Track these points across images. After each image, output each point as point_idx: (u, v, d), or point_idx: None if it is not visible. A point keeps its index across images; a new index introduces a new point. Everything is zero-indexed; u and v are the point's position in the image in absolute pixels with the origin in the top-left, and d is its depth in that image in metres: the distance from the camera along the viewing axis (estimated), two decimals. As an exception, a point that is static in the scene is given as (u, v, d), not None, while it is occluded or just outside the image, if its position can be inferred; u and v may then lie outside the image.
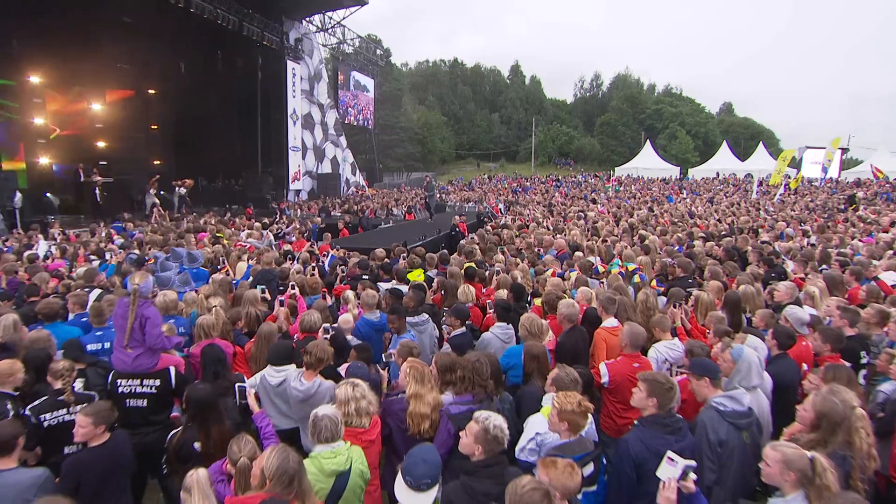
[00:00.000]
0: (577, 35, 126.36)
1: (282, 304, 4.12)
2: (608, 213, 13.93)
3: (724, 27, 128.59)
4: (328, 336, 3.37)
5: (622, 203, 17.08)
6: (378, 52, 35.73)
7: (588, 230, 9.75)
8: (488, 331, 3.87)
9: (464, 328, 3.88)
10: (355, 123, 31.97)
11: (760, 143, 40.26)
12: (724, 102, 63.39)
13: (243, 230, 10.05)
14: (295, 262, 6.87)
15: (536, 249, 7.52)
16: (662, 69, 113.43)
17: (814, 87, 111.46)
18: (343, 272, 5.86)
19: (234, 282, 5.79)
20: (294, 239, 9.71)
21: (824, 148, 22.20)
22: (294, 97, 22.81)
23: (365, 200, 22.84)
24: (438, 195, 25.37)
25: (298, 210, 19.85)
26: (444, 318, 4.20)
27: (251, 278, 5.65)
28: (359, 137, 37.98)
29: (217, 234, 9.57)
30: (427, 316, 4.11)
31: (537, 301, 4.80)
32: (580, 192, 24.34)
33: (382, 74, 43.30)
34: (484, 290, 5.38)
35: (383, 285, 5.13)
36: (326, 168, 26.80)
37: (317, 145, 25.83)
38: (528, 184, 31.70)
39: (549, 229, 10.01)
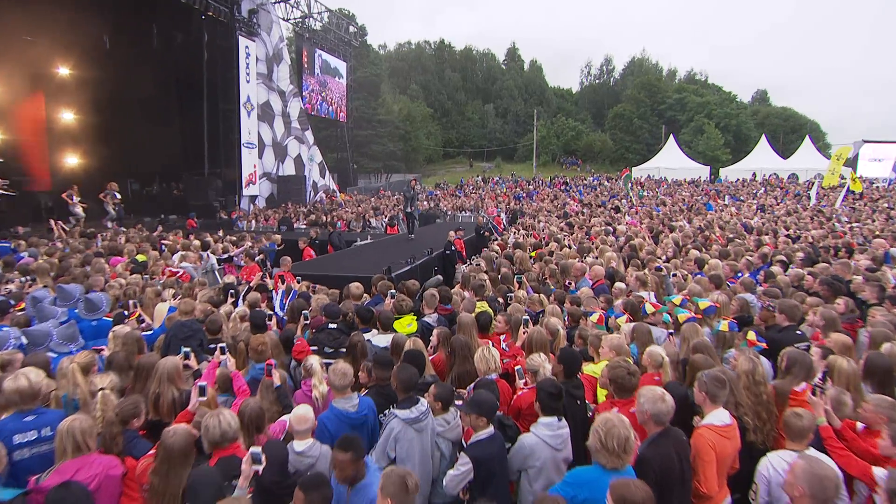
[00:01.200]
0: (584, 13, 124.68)
1: (202, 391, 3.01)
2: (640, 225, 13.20)
3: (755, 1, 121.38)
4: (257, 470, 2.31)
5: (652, 212, 16.37)
6: (351, 29, 35.75)
7: (623, 250, 8.86)
8: (528, 431, 2.96)
9: (491, 428, 2.92)
10: (324, 116, 31.61)
11: (806, 137, 40.16)
12: (758, 90, 63.91)
13: (177, 250, 8.96)
14: (238, 301, 5.82)
15: (567, 282, 6.56)
16: (684, 52, 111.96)
17: (867, 70, 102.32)
18: (306, 319, 4.87)
19: (148, 334, 4.80)
20: (243, 264, 8.66)
21: (893, 142, 21.71)
22: (248, 82, 22.00)
23: (337, 209, 21.99)
24: (428, 203, 24.72)
25: (253, 222, 18.82)
26: (456, 404, 3.21)
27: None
28: (329, 132, 37.67)
29: (138, 258, 8.49)
30: (426, 406, 3.09)
31: (587, 369, 3.87)
32: (596, 198, 23.65)
33: (357, 57, 43.08)
34: (504, 343, 4.44)
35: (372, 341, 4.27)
36: (289, 169, 26.18)
37: (277, 141, 25.19)
38: (531, 187, 31.16)
39: (571, 248, 9.16)
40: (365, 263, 9.08)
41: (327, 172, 30.89)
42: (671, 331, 4.56)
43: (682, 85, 57.98)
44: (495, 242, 11.47)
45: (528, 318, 4.51)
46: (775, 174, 34.70)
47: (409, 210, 11.37)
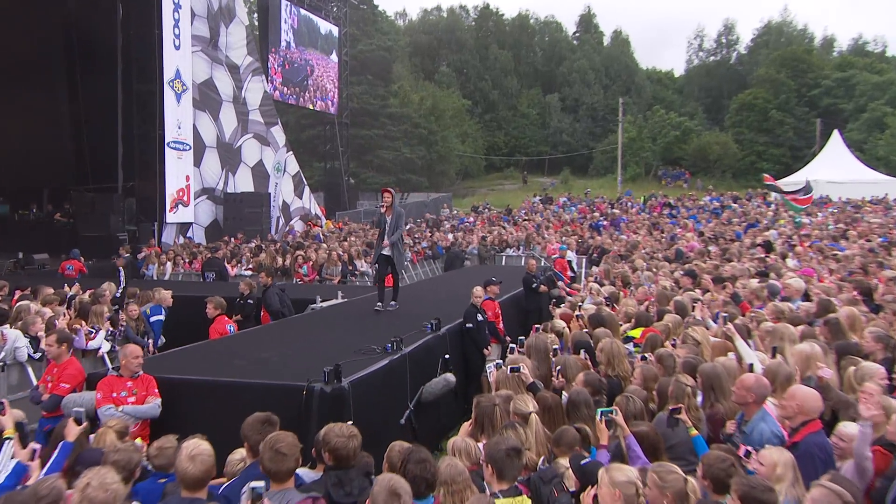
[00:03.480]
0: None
1: None
2: (827, 276, 10.53)
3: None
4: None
5: (833, 251, 13.59)
6: (350, -19, 35.44)
7: (820, 332, 6.62)
8: None
9: None
10: (303, 105, 31.15)
11: None
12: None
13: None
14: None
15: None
16: (847, 11, 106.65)
17: None
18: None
19: None
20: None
21: None
22: (177, 48, 21.49)
23: (312, 244, 19.86)
24: (453, 235, 22.90)
25: (169, 265, 17.04)
26: None
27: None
28: (313, 132, 36.89)
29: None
30: None
31: None
32: (728, 229, 20.89)
33: (358, 23, 42.82)
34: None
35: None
36: (244, 183, 25.51)
37: (224, 141, 24.58)
38: (616, 212, 28.72)
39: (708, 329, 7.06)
40: (297, 358, 7.02)
41: (307, 189, 30.12)
42: None
43: (846, 59, 56.42)
44: (558, 308, 9.60)
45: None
46: None
47: (383, 251, 9.33)
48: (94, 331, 8.32)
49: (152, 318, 9.56)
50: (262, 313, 10.40)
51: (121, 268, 14.27)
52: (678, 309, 7.95)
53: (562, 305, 9.79)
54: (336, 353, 6.63)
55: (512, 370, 5.46)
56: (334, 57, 33.36)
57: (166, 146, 20.97)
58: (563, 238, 20.92)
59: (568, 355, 6.17)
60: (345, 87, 34.31)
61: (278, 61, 28.90)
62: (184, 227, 22.17)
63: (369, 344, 7.14)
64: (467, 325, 8.65)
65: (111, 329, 8.77)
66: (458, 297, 10.21)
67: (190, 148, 22.04)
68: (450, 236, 22.84)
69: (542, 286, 12.48)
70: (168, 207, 21.15)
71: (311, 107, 31.88)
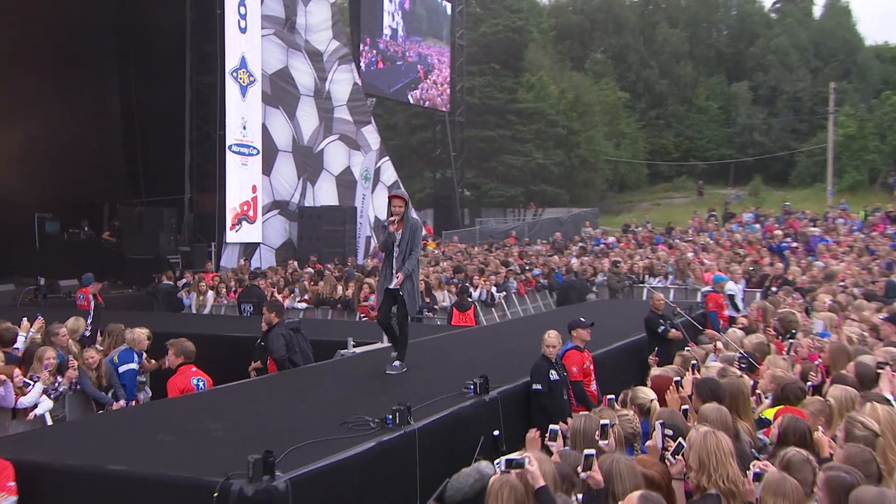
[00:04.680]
0: None
1: None
2: None
3: None
4: None
5: None
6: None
7: None
8: None
9: None
10: (405, 101, 31.15)
11: None
12: None
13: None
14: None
15: None
16: None
17: None
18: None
19: None
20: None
21: None
22: (243, 31, 21.81)
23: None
24: (578, 261, 21.90)
25: (210, 295, 17.10)
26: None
27: None
28: (426, 134, 36.42)
29: None
30: None
31: None
32: None
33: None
34: None
35: None
36: (326, 194, 25.65)
37: (302, 143, 24.58)
38: (815, 230, 25.95)
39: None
40: (254, 432, 6.45)
41: (409, 203, 29.19)
42: None
43: None
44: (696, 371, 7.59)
45: None
46: None
47: (390, 287, 8.33)
48: (31, 383, 7.77)
49: (121, 368, 8.97)
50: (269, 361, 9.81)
51: (90, 295, 13.79)
52: (860, 375, 6.20)
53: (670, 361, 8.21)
54: (313, 426, 6.27)
55: (509, 465, 4.31)
56: (444, 42, 33.12)
57: (227, 150, 21.21)
58: (728, 265, 18.79)
59: (622, 456, 4.57)
60: (459, 77, 33.73)
61: (374, 54, 29.20)
62: (249, 249, 22.33)
63: (364, 414, 6.36)
64: (535, 386, 7.85)
65: (59, 381, 8.14)
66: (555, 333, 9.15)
67: (258, 152, 22.22)
68: (574, 261, 21.26)
69: (671, 331, 11.05)
70: (229, 225, 21.32)
71: (409, 100, 31.77)
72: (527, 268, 20.29)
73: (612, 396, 6.37)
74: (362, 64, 28.47)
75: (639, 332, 11.44)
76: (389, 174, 28.34)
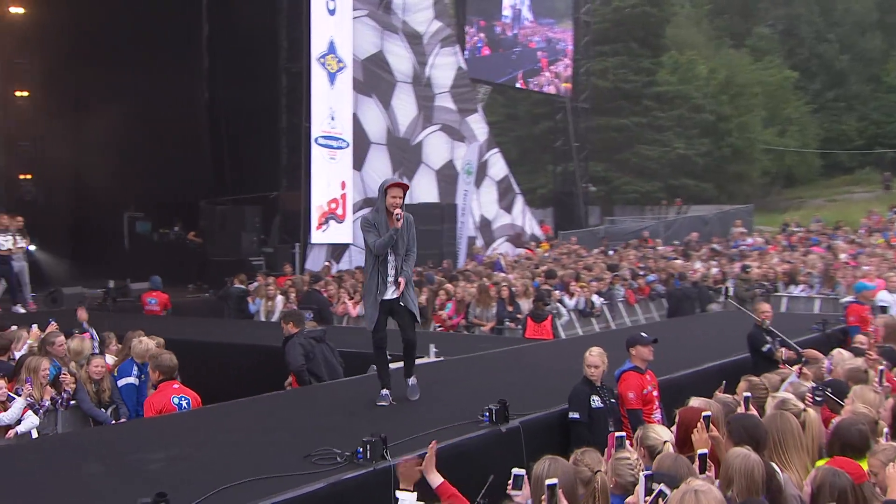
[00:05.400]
0: None
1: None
2: None
3: None
4: None
5: None
6: None
7: None
8: None
9: None
10: (515, 86, 30.71)
11: None
12: None
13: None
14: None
15: None
16: None
17: None
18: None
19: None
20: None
21: None
22: (332, 13, 22.09)
23: (487, 275, 19.43)
24: (702, 265, 20.64)
25: (280, 297, 17.41)
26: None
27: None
28: (540, 127, 37.56)
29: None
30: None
31: None
32: None
33: None
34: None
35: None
36: (425, 190, 25.66)
37: (398, 135, 25.02)
38: None
39: None
40: (200, 463, 6.43)
41: (519, 200, 29.80)
42: None
43: None
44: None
45: None
46: None
47: (387, 297, 7.78)
48: (15, 397, 7.88)
49: (120, 382, 9.08)
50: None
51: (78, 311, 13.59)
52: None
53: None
54: (271, 458, 6.11)
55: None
56: (568, 22, 32.93)
57: (313, 143, 21.55)
58: (889, 271, 17.67)
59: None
60: (583, 59, 33.38)
61: (480, 38, 29.29)
62: (338, 251, 22.65)
63: (340, 445, 6.10)
64: (572, 415, 7.49)
65: (52, 396, 8.33)
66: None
67: (348, 145, 22.46)
68: (698, 266, 20.46)
69: (779, 350, 10.37)
70: (315, 224, 21.67)
71: (533, 88, 31.47)
72: (640, 273, 19.69)
73: (623, 434, 5.91)
74: (466, 50, 28.52)
75: (743, 351, 10.87)
76: (499, 168, 28.16)
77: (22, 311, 16.24)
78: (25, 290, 16.94)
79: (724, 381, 7.68)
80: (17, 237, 16.29)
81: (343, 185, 22.44)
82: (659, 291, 19.03)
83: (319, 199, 21.81)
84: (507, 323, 15.52)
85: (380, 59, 24.04)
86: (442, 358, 11.22)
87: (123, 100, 21.99)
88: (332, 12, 21.92)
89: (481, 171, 27.25)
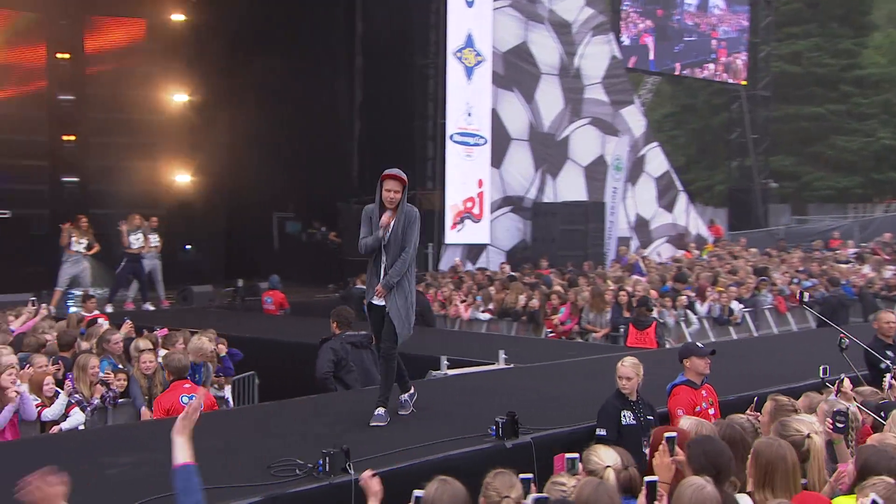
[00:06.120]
0: None
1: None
2: None
3: None
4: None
5: None
6: None
7: None
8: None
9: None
10: (680, 74, 29.72)
11: None
12: None
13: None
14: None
15: None
16: None
17: None
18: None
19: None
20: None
21: None
22: (470, 5, 22.02)
23: (625, 277, 18.42)
24: (871, 269, 18.93)
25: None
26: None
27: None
28: (724, 116, 34.06)
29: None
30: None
31: None
32: None
33: None
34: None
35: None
36: (572, 188, 24.91)
37: (541, 130, 24.46)
38: None
39: None
40: (156, 471, 6.30)
41: (682, 198, 28.22)
42: None
43: None
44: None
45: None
46: None
47: (374, 301, 7.30)
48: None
49: None
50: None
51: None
52: None
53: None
54: (237, 467, 6.08)
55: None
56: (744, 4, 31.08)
57: (448, 140, 21.47)
58: None
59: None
60: (764, 42, 31.34)
61: (645, 26, 28.08)
62: (474, 251, 22.33)
63: (298, 457, 5.87)
64: (599, 431, 6.99)
65: (102, 394, 8.38)
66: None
67: (486, 142, 22.20)
68: (866, 270, 18.38)
69: None
70: (449, 224, 21.57)
71: (687, 73, 29.78)
72: (794, 280, 17.72)
73: (576, 456, 5.21)
74: (625, 38, 27.56)
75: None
76: (658, 163, 26.69)
77: (151, 308, 16.94)
78: (159, 288, 17.68)
79: (755, 399, 6.90)
80: (150, 236, 16.97)
81: (480, 183, 22.23)
82: (816, 298, 17.09)
83: (454, 197, 21.72)
84: (623, 329, 14.53)
85: (523, 51, 23.50)
86: (511, 365, 10.77)
87: (277, 100, 22.72)
88: (470, 4, 21.82)
89: (638, 167, 26.12)
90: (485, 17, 22.08)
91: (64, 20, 21.19)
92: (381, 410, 7.02)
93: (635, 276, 18.31)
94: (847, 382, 6.63)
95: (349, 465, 5.55)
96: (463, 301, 16.24)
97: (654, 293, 15.71)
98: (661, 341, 13.18)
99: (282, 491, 5.40)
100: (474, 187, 22.00)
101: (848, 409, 5.71)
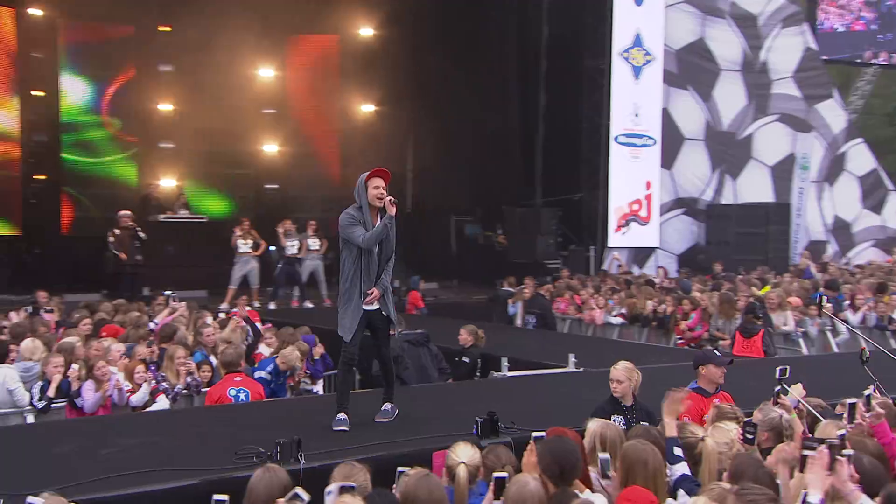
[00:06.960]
0: None
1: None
2: None
3: None
4: None
5: None
6: None
7: None
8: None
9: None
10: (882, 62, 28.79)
11: None
12: None
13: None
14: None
15: None
16: None
17: None
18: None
19: None
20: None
21: None
22: (639, 3, 21.89)
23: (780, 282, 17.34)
24: None
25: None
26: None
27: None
28: None
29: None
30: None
31: None
32: None
33: None
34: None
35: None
36: (755, 189, 24.10)
37: (719, 128, 24.06)
38: None
39: None
40: (142, 452, 6.60)
41: (894, 198, 25.97)
42: None
43: None
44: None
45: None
46: None
47: (366, 307, 6.81)
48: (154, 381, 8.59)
49: (256, 374, 9.31)
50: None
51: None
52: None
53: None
54: (214, 453, 6.17)
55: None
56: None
57: (613, 142, 21.41)
58: None
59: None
60: None
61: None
62: (641, 255, 22.07)
63: (257, 445, 5.97)
64: None
65: (188, 381, 8.93)
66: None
67: (654, 142, 21.89)
68: None
69: None
70: (613, 226, 21.47)
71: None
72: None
73: (607, 457, 5.17)
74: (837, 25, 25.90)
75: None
76: (862, 161, 24.93)
77: (310, 306, 18.21)
78: (322, 287, 18.83)
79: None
80: (308, 241, 18.12)
81: (648, 185, 21.95)
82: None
83: (619, 200, 21.61)
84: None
85: (699, 48, 23.02)
86: (581, 369, 10.42)
87: (457, 108, 23.29)
88: (639, 3, 21.67)
89: (837, 165, 24.63)
90: (656, 16, 21.87)
91: (266, 40, 23.04)
92: (388, 406, 7.14)
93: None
94: (799, 388, 6.27)
95: (301, 455, 5.70)
96: (601, 307, 16.11)
97: (797, 300, 14.79)
98: (768, 350, 12.45)
99: (220, 476, 5.57)
100: (642, 189, 21.78)
101: (771, 419, 5.45)
